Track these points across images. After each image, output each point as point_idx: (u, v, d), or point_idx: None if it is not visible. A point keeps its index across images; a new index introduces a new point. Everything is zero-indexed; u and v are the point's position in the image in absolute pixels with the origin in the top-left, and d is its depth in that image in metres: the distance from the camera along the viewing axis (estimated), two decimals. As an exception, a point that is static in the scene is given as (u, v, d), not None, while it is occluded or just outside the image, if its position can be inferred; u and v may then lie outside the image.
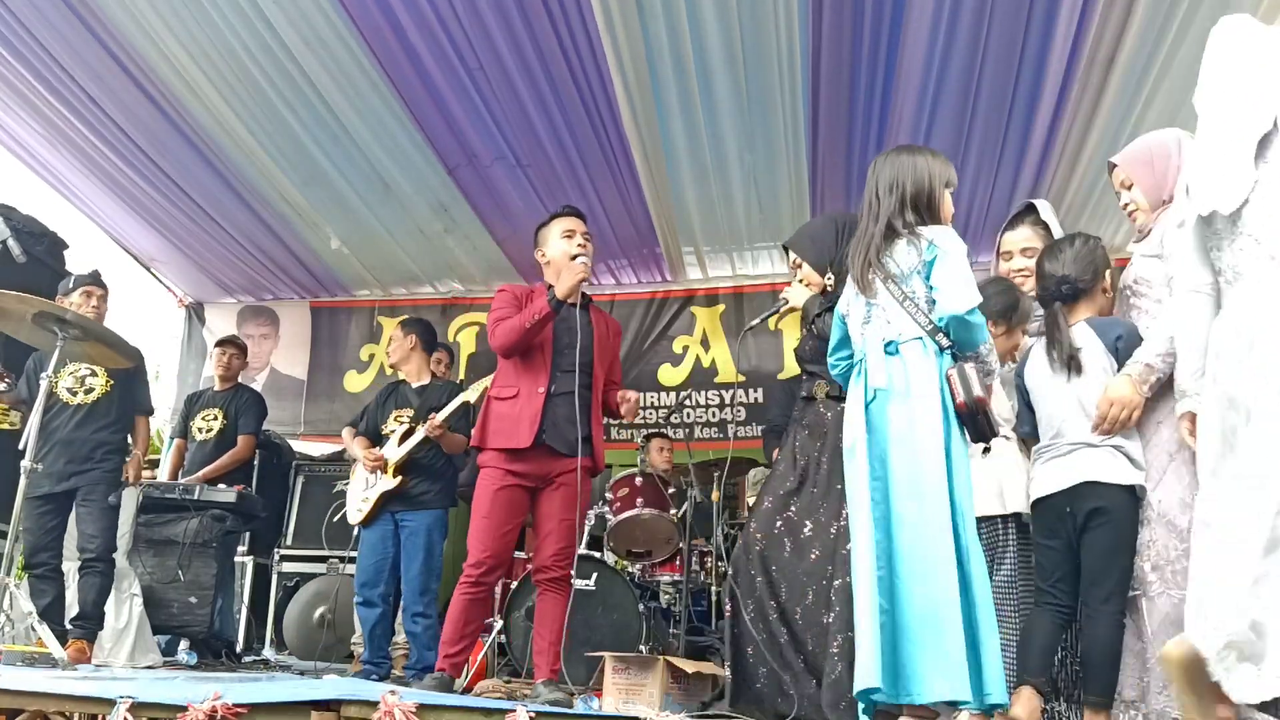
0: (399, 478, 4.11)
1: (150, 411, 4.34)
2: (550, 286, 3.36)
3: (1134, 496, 2.43)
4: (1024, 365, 2.68)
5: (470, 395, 4.16)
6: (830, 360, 2.60)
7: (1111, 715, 2.38)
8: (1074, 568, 2.47)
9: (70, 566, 4.04)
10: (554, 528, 3.27)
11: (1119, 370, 2.47)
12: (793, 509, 2.92)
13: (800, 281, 3.09)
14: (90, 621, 3.91)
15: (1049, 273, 2.63)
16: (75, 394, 4.09)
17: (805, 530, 2.88)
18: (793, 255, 3.16)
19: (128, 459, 4.16)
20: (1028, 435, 2.68)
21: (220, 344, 5.41)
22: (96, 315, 4.12)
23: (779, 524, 2.91)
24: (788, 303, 3.11)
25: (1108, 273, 2.64)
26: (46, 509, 3.94)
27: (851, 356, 2.49)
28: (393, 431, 4.25)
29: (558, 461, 3.28)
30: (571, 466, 3.26)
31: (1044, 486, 2.52)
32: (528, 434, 3.22)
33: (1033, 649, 2.47)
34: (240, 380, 5.41)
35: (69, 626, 3.88)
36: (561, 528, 3.28)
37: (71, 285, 4.21)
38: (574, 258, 3.34)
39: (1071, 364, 2.53)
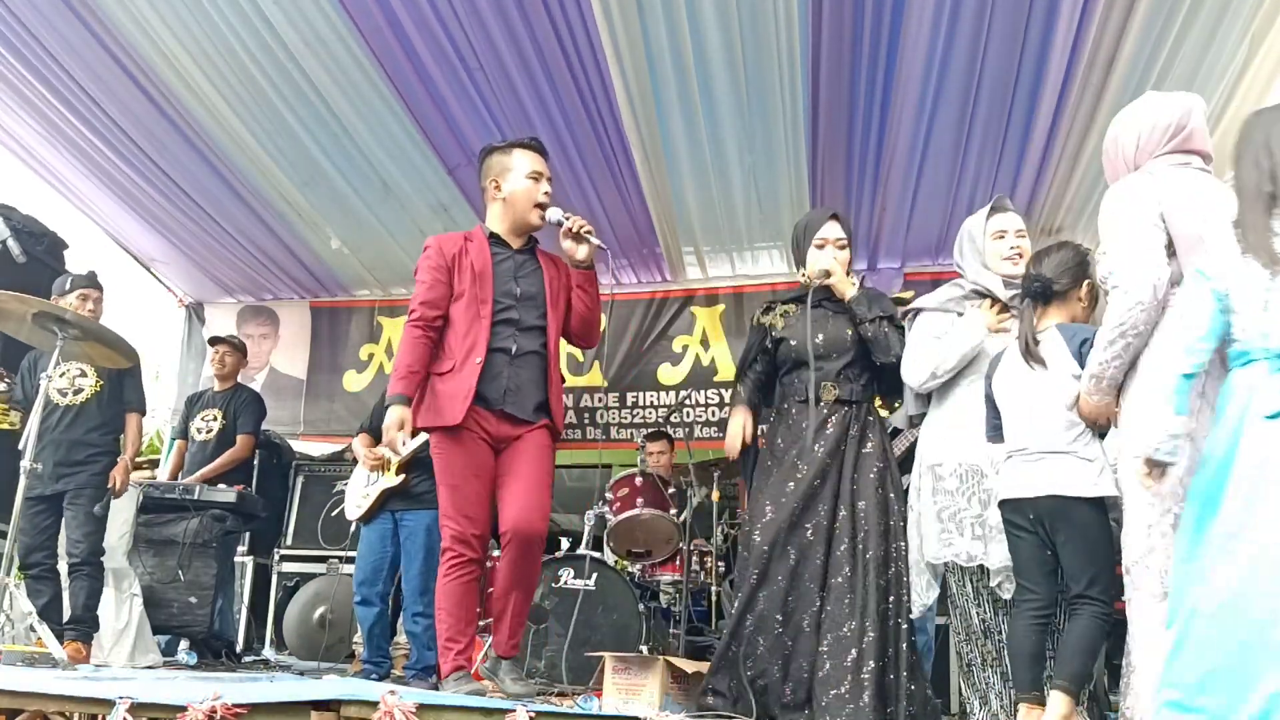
0: (402, 475, 4.10)
1: (143, 410, 4.30)
2: (493, 236, 3.07)
3: (1100, 505, 2.43)
4: (994, 368, 2.68)
5: None
6: (1189, 346, 2.11)
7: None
8: (1052, 569, 2.47)
9: (65, 567, 4.04)
10: (521, 486, 2.92)
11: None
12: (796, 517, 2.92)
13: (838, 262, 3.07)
14: (83, 624, 3.91)
15: (1029, 272, 2.66)
16: (65, 395, 4.08)
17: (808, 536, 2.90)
18: (842, 231, 3.13)
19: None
20: (994, 440, 2.67)
21: (213, 342, 5.39)
22: (92, 318, 4.11)
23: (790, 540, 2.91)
24: (829, 275, 3.05)
25: (1086, 284, 2.64)
26: (39, 509, 3.94)
27: (1214, 348, 2.15)
28: None
29: (519, 428, 3.00)
30: (535, 428, 3.01)
31: (1013, 488, 2.51)
32: (460, 409, 2.88)
33: (1020, 660, 2.44)
34: (240, 380, 5.40)
35: (64, 629, 3.88)
36: (529, 480, 2.93)
37: (68, 287, 4.18)
38: (538, 205, 3.06)
39: (1030, 355, 2.53)
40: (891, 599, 2.81)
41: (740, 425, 3.19)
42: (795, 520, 2.89)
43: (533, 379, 3.02)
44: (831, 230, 3.14)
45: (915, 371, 2.88)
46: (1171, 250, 2.31)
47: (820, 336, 3.03)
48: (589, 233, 3.07)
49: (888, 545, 2.86)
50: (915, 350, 2.90)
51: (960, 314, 2.90)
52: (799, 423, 3.01)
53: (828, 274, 3.06)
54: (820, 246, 3.12)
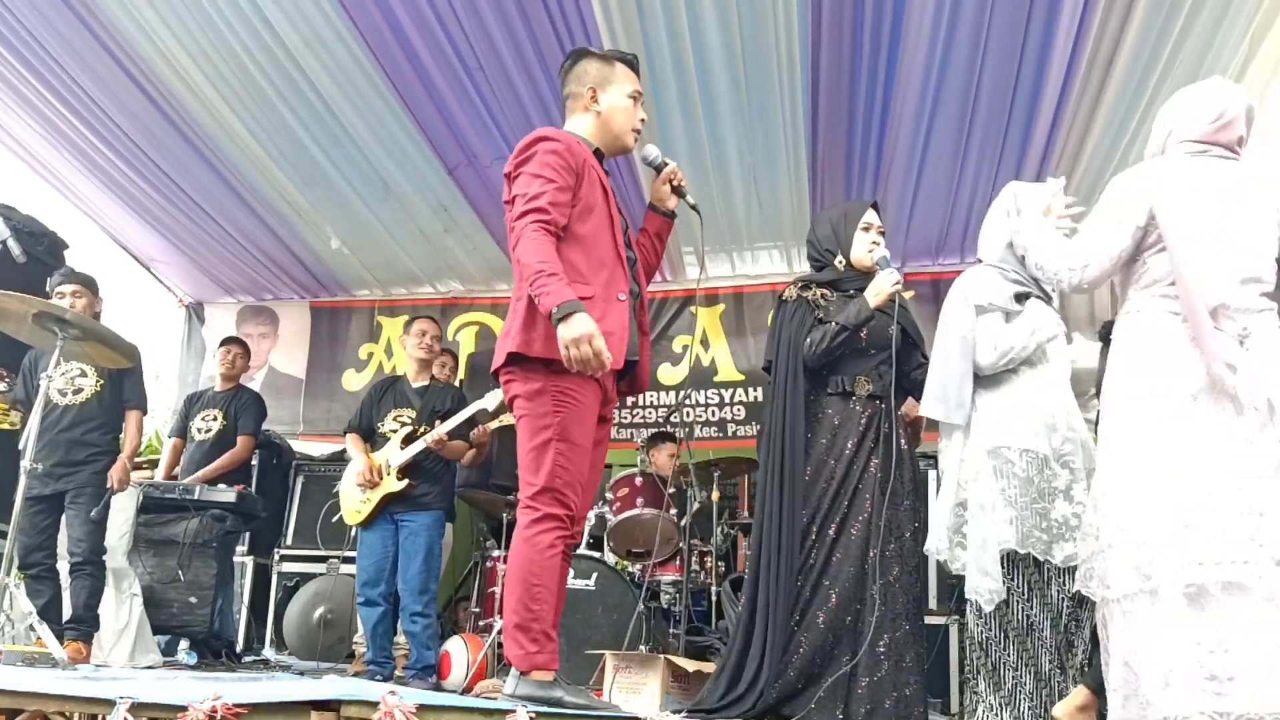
0: (405, 480, 4.09)
1: (144, 408, 4.29)
2: (597, 152, 2.60)
3: None
4: None
5: (489, 402, 4.12)
6: None
7: None
8: None
9: (64, 566, 4.04)
10: (591, 479, 2.60)
11: None
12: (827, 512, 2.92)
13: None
14: (84, 624, 3.92)
15: (1105, 323, 2.66)
16: (65, 395, 4.07)
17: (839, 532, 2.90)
18: (878, 219, 3.11)
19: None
20: None
21: (224, 343, 5.41)
22: (79, 312, 4.04)
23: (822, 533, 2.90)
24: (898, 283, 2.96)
25: None
26: (39, 509, 3.94)
27: None
28: (393, 432, 4.24)
29: (612, 387, 2.59)
30: (614, 397, 2.63)
31: None
32: (619, 352, 2.38)
33: None
34: (240, 380, 5.41)
35: (65, 629, 3.87)
36: (595, 478, 2.63)
37: (56, 284, 4.15)
38: (635, 130, 2.65)
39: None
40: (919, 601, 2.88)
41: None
42: (839, 517, 2.88)
43: (633, 332, 2.58)
44: (871, 217, 3.12)
45: (987, 353, 2.77)
46: (1151, 244, 2.29)
47: (864, 331, 2.98)
48: (686, 190, 2.77)
49: (919, 546, 2.89)
50: (987, 333, 2.80)
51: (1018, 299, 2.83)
52: (832, 418, 2.98)
53: (899, 284, 2.97)
54: (866, 229, 3.08)
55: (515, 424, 2.50)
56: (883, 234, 3.12)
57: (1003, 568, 2.66)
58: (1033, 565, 2.64)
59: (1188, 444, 2.07)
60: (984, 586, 2.62)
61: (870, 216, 3.12)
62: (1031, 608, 2.62)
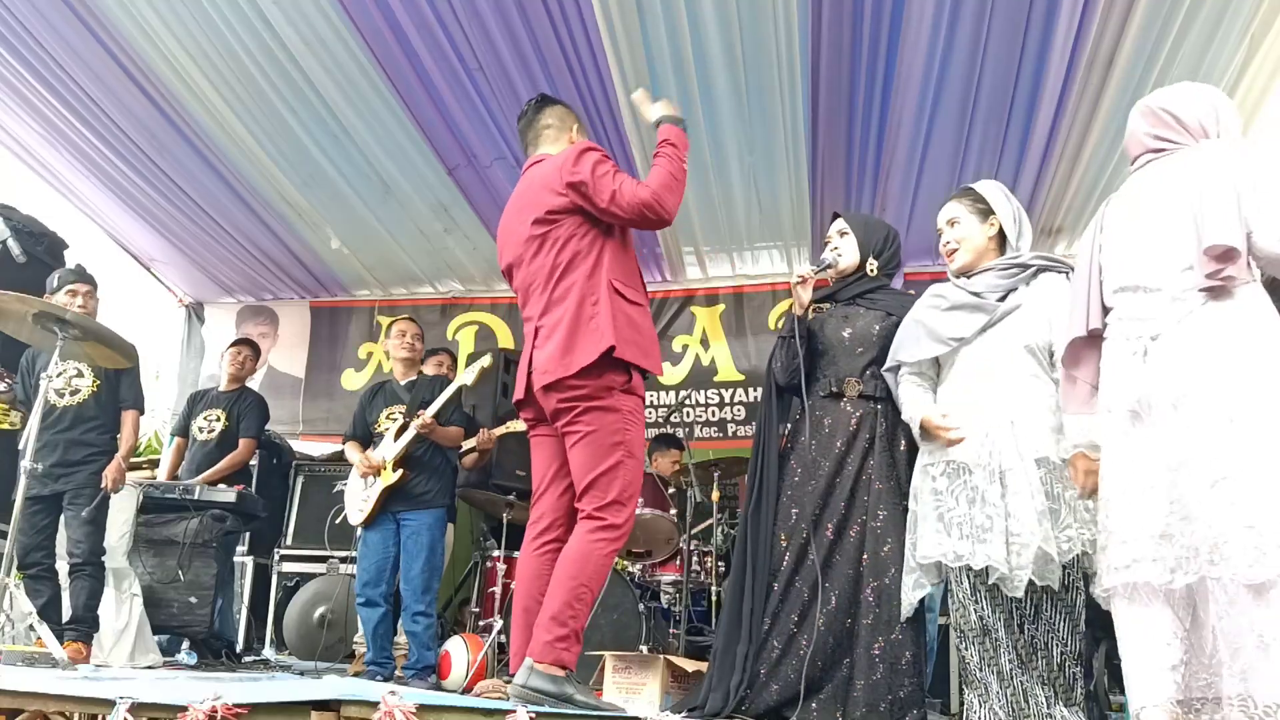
0: (400, 471, 4.10)
1: (140, 408, 4.27)
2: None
3: None
4: None
5: (468, 378, 4.14)
6: None
7: None
8: None
9: (64, 567, 4.03)
10: None
11: None
12: (818, 510, 2.90)
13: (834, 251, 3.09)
14: (83, 624, 3.91)
15: None
16: (63, 395, 4.07)
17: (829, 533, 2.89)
18: (843, 222, 3.15)
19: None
20: None
21: (236, 343, 5.41)
22: (84, 312, 4.04)
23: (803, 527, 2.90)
24: (841, 258, 3.06)
25: None
26: (37, 509, 3.92)
27: None
28: (386, 430, 4.25)
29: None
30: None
31: None
32: (659, 357, 2.72)
33: None
34: (245, 381, 5.40)
35: (65, 629, 3.87)
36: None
37: (55, 284, 4.13)
38: None
39: None
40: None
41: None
42: (835, 519, 2.87)
43: None
44: (832, 228, 3.18)
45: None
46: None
47: (848, 331, 3.01)
48: None
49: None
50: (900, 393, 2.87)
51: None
52: (821, 419, 2.97)
53: (826, 265, 3.06)
54: (827, 243, 3.17)
55: (577, 435, 2.59)
56: (842, 234, 3.12)
57: (954, 573, 2.65)
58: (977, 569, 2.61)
59: (1129, 457, 2.11)
60: (903, 597, 2.73)
61: (831, 228, 3.18)
62: (983, 609, 2.60)
